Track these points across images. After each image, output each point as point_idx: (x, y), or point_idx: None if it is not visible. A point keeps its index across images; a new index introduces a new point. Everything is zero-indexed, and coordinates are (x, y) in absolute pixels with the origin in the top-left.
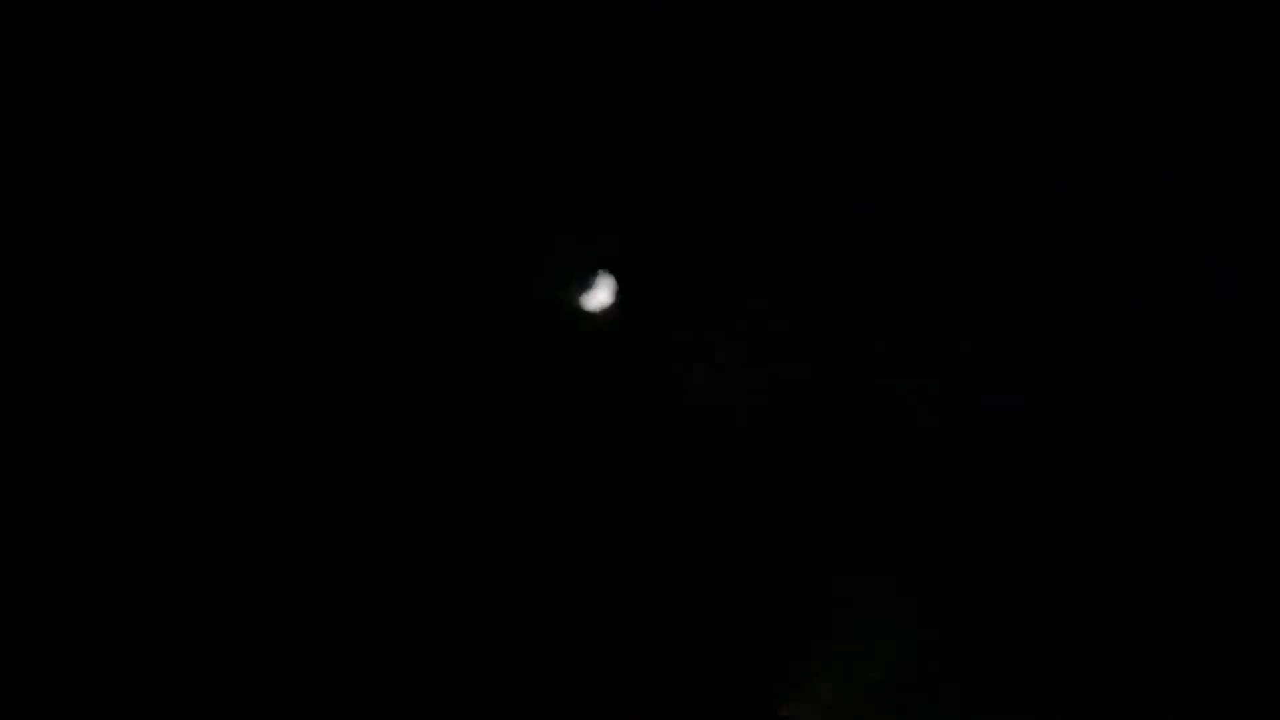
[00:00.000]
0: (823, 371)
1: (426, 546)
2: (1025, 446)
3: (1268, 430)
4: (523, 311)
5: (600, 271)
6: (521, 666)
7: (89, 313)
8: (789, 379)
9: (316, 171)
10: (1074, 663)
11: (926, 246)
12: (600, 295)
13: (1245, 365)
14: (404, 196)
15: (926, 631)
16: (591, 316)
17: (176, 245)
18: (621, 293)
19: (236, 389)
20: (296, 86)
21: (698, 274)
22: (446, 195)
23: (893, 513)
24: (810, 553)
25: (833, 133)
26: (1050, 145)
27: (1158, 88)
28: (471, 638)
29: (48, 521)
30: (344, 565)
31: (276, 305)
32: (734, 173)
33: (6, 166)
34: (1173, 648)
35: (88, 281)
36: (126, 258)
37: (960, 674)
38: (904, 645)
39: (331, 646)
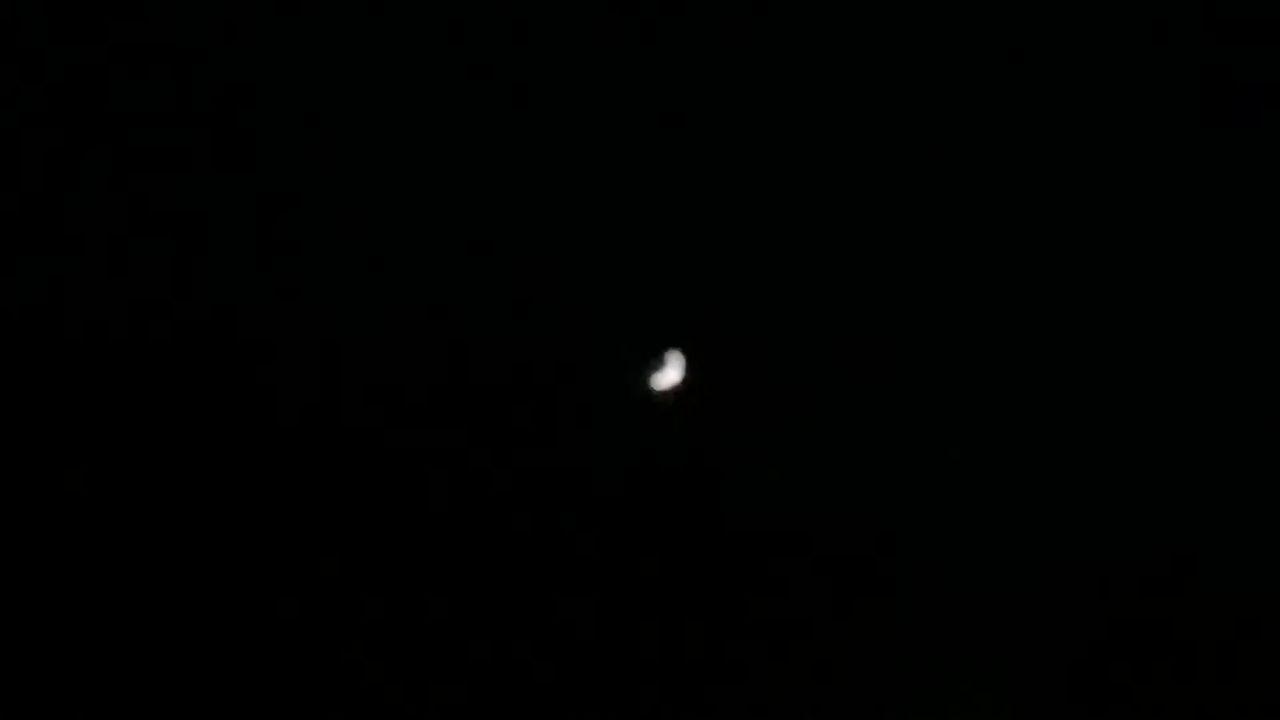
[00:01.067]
0: (897, 458)
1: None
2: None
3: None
4: (588, 390)
5: (670, 350)
6: None
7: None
8: (862, 465)
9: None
10: None
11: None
12: (670, 374)
13: None
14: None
15: None
16: (660, 396)
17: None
18: (691, 371)
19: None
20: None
21: (772, 353)
22: (506, 270)
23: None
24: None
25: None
26: None
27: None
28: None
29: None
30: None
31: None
32: (815, 244)
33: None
34: None
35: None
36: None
37: None
38: None
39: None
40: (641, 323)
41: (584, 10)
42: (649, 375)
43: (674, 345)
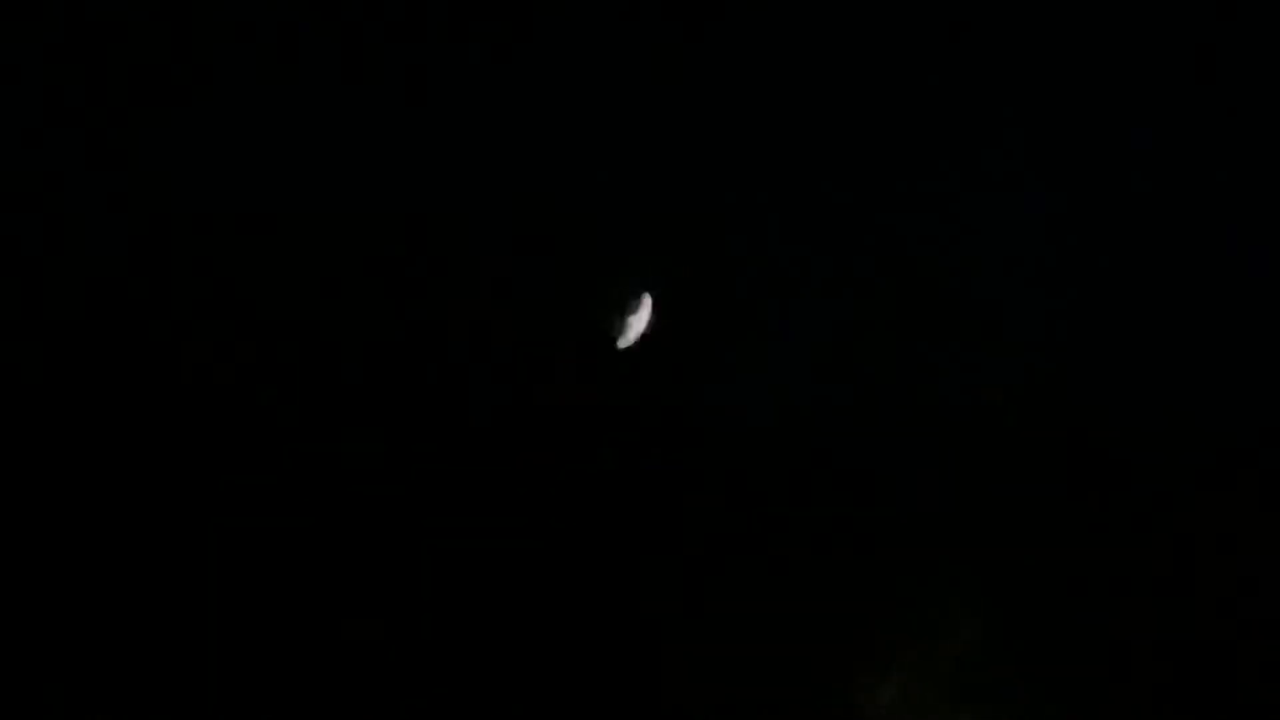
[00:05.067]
0: (864, 393)
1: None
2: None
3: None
4: (560, 332)
5: (642, 292)
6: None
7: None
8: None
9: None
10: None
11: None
12: (641, 316)
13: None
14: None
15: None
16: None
17: None
18: (661, 313)
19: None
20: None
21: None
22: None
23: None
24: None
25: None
26: None
27: None
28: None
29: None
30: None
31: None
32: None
33: None
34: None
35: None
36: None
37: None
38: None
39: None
40: (615, 268)
41: None
42: (623, 319)
43: (645, 289)
